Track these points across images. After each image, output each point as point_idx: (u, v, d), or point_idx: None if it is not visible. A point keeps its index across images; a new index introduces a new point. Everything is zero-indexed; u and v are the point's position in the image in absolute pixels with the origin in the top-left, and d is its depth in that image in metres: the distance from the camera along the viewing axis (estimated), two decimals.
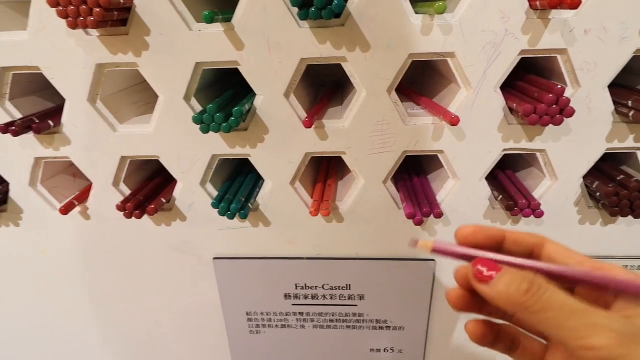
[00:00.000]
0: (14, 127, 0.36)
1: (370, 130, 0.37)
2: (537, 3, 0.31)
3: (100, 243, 0.45)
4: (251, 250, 0.45)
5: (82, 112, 0.38)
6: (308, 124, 0.34)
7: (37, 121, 0.37)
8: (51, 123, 0.38)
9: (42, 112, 0.40)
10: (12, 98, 0.39)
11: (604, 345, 0.18)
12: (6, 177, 0.42)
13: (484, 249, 0.23)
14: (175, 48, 0.35)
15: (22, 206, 0.43)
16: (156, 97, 0.37)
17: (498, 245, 0.24)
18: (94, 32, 0.35)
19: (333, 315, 0.47)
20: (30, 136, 0.39)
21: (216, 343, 0.52)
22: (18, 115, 0.39)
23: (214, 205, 0.39)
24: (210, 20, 0.31)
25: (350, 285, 0.45)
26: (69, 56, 0.35)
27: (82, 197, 0.43)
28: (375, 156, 0.38)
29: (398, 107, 0.36)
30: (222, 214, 0.38)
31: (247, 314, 0.49)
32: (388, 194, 0.40)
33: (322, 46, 0.34)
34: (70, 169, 0.46)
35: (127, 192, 0.42)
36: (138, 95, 0.42)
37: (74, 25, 0.31)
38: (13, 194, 0.43)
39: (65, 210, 0.41)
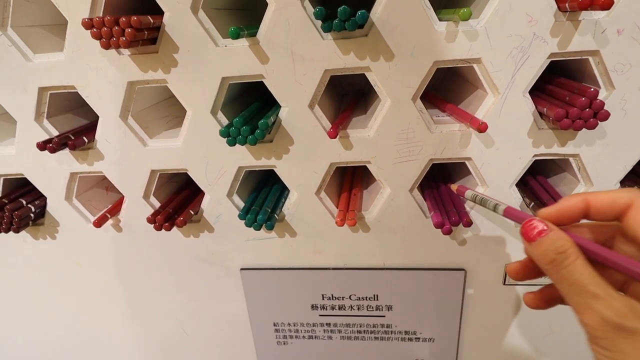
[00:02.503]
0: (51, 145, 0.37)
1: (395, 138, 0.37)
2: (566, 5, 0.30)
3: (132, 254, 0.46)
4: (278, 261, 0.45)
5: (114, 128, 0.39)
6: (333, 135, 0.34)
7: (73, 138, 0.39)
8: (85, 139, 0.40)
9: (77, 129, 0.41)
10: (50, 116, 0.41)
11: (590, 325, 0.21)
12: (44, 192, 0.44)
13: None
14: (202, 64, 0.35)
15: (58, 219, 0.45)
16: (184, 110, 0.38)
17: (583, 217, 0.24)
18: (126, 52, 0.36)
19: (360, 327, 0.47)
20: (66, 152, 0.41)
21: (244, 354, 0.52)
22: (55, 133, 0.41)
23: (241, 217, 0.39)
24: (236, 35, 0.31)
25: (377, 295, 0.44)
26: (102, 75, 0.37)
27: (114, 210, 0.44)
28: (400, 165, 0.38)
29: (423, 114, 0.36)
30: (248, 225, 0.39)
31: (274, 325, 0.49)
32: (415, 203, 0.39)
33: (346, 57, 0.34)
34: (103, 183, 0.48)
35: (157, 204, 0.43)
36: (167, 110, 0.43)
37: (107, 46, 0.32)
38: (50, 207, 0.44)
39: (99, 223, 0.43)
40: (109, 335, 0.53)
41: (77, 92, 0.38)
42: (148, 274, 0.47)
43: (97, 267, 0.48)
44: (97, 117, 0.39)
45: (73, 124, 0.43)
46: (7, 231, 0.42)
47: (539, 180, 0.41)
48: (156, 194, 0.43)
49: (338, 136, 0.36)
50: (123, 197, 0.43)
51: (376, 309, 0.45)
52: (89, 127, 0.42)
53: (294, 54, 0.34)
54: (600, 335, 0.21)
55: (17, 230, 0.43)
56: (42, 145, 0.37)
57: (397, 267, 0.43)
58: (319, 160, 0.38)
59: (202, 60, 0.35)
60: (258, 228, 0.39)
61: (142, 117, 0.40)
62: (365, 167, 0.39)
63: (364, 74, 0.35)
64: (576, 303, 0.22)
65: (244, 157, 0.39)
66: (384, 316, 0.45)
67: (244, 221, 0.39)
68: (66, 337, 0.54)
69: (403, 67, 0.34)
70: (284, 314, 0.48)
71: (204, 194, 0.42)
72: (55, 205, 0.44)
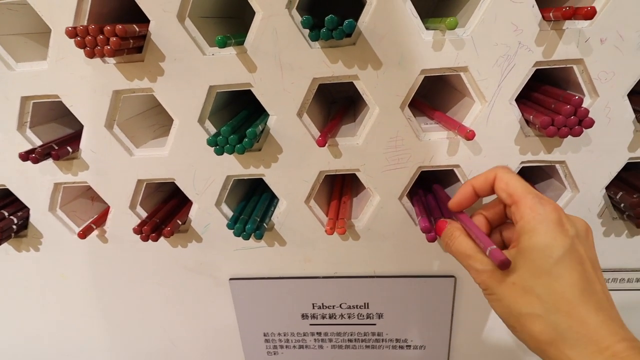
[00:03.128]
0: (34, 155, 0.36)
1: (384, 146, 0.37)
2: (550, 14, 0.31)
3: (118, 265, 0.45)
4: (267, 270, 0.44)
5: (99, 138, 0.38)
6: (321, 143, 0.34)
7: (56, 148, 0.38)
8: (69, 149, 0.39)
9: (61, 138, 0.40)
10: (33, 125, 0.40)
11: (477, 280, 0.28)
12: (27, 203, 0.43)
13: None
14: (189, 72, 0.35)
15: (42, 231, 0.44)
16: (171, 119, 0.38)
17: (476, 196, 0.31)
18: (111, 60, 0.35)
19: (351, 335, 0.47)
20: (49, 162, 0.40)
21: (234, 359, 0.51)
22: (38, 142, 0.40)
23: (229, 226, 0.39)
24: (223, 44, 0.31)
25: (368, 303, 0.44)
26: (86, 84, 0.36)
27: (100, 220, 0.44)
28: (389, 172, 0.38)
29: (412, 122, 0.36)
30: (237, 234, 0.38)
31: (265, 335, 0.48)
32: (404, 210, 0.39)
33: (334, 65, 0.34)
34: (88, 193, 0.47)
35: (144, 214, 0.42)
36: (154, 119, 0.43)
37: (91, 55, 0.32)
38: (33, 219, 0.43)
39: (84, 234, 0.42)
40: (94, 348, 0.52)
41: (61, 101, 0.38)
42: (135, 285, 0.47)
43: (82, 279, 0.47)
44: (82, 126, 0.39)
45: (58, 134, 0.42)
46: None
47: None
48: (143, 204, 0.43)
49: (327, 144, 0.36)
50: (109, 207, 0.43)
51: (367, 317, 0.45)
52: (74, 136, 0.42)
53: (281, 62, 0.34)
54: (484, 285, 0.28)
55: (5, 239, 0.41)
56: (25, 156, 0.36)
57: (387, 275, 0.42)
58: (308, 169, 0.38)
59: (189, 68, 0.35)
60: (247, 237, 0.38)
61: (128, 126, 0.40)
62: (355, 174, 0.39)
63: (352, 82, 0.35)
64: (466, 266, 0.29)
65: (233, 166, 0.39)
66: (374, 324, 0.45)
67: (232, 230, 0.39)
68: (50, 349, 0.53)
69: (391, 75, 0.34)
70: (274, 323, 0.47)
71: (191, 203, 0.42)
72: (39, 216, 0.43)
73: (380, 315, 0.45)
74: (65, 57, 0.35)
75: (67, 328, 0.51)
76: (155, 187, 0.45)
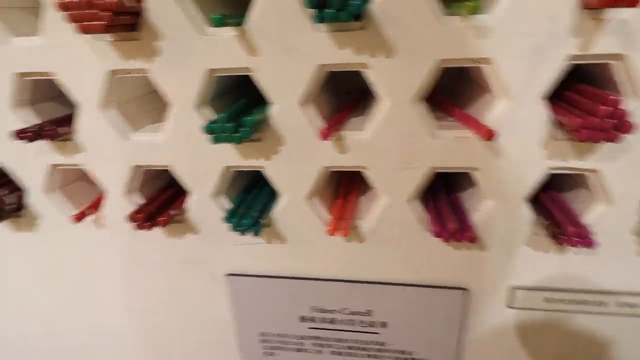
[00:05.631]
0: (28, 133, 0.35)
1: (394, 143, 0.33)
2: (590, 1, 0.27)
3: (112, 253, 0.44)
4: (266, 268, 0.42)
5: (94, 119, 0.37)
6: (324, 136, 0.31)
7: (52, 127, 0.36)
8: (64, 130, 0.37)
9: (57, 118, 0.39)
10: (30, 104, 0.38)
11: None
12: (23, 183, 0.41)
13: None
14: (186, 54, 0.33)
15: (38, 212, 0.43)
16: (168, 105, 0.35)
17: None
18: (106, 37, 0.33)
19: (353, 342, 0.44)
20: (45, 143, 0.39)
21: (227, 359, 0.49)
22: (35, 121, 0.39)
23: (227, 220, 0.36)
24: (219, 23, 0.29)
25: (371, 311, 0.41)
26: (81, 62, 0.34)
27: (96, 205, 0.42)
28: (400, 172, 0.34)
29: (427, 118, 0.33)
30: (233, 229, 0.36)
31: (261, 335, 0.46)
32: (414, 214, 0.36)
33: (342, 51, 0.31)
34: (87, 176, 0.45)
35: (140, 201, 0.41)
36: (153, 103, 0.41)
37: (84, 30, 0.30)
38: (30, 200, 0.42)
39: (78, 218, 0.40)
40: (85, 336, 0.51)
41: (58, 80, 0.36)
42: (129, 273, 0.45)
43: (77, 265, 0.46)
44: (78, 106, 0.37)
45: (57, 113, 0.41)
46: None
47: (552, 196, 0.38)
48: (142, 191, 0.41)
49: (332, 138, 0.33)
50: (105, 192, 0.41)
51: (370, 325, 0.42)
52: (70, 117, 0.40)
53: (285, 46, 0.31)
54: None
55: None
56: (19, 134, 0.35)
57: (393, 282, 0.39)
58: (311, 163, 0.35)
59: (186, 49, 0.32)
60: (243, 232, 0.36)
61: (125, 109, 0.38)
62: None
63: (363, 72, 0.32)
64: None
65: (231, 156, 0.36)
66: (378, 333, 0.42)
67: (228, 224, 0.36)
68: (41, 336, 0.52)
69: (405, 64, 0.31)
70: (272, 324, 0.45)
71: (189, 193, 0.40)
72: (35, 197, 0.42)
73: (384, 324, 0.42)
74: (59, 32, 0.33)
75: (57, 314, 0.50)
76: (155, 174, 0.43)
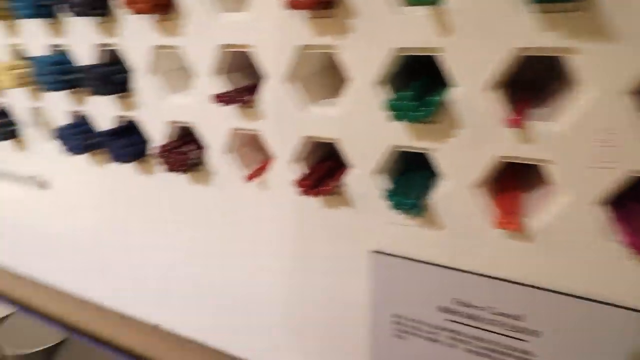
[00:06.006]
0: (226, 98, 0.39)
1: (591, 138, 0.30)
2: None
3: (269, 212, 0.48)
4: (415, 251, 0.42)
5: (278, 91, 0.40)
6: (516, 123, 0.30)
7: (243, 94, 0.40)
8: (251, 98, 0.41)
9: (244, 87, 0.43)
10: (224, 73, 0.43)
11: None
12: (207, 143, 0.47)
13: None
14: (377, 32, 0.34)
15: (215, 169, 0.48)
16: (346, 81, 0.37)
17: None
18: (303, 14, 0.36)
19: (494, 344, 0.42)
20: (231, 107, 0.43)
21: (353, 337, 0.51)
22: (225, 89, 0.43)
23: (388, 197, 0.37)
24: (416, 2, 0.29)
25: (523, 316, 0.39)
26: (278, 37, 0.38)
27: (262, 169, 0.46)
28: (591, 171, 0.31)
29: (635, 113, 0.29)
30: (394, 207, 0.37)
31: (395, 316, 0.46)
32: (600, 219, 0.33)
33: (547, 34, 0.29)
34: (252, 142, 0.50)
35: (303, 170, 0.43)
36: (330, 79, 0.43)
37: (293, 5, 0.33)
38: (208, 158, 0.48)
39: (250, 177, 0.45)
40: (225, 282, 0.56)
41: (244, 52, 0.40)
42: (285, 238, 0.49)
43: (236, 218, 0.51)
44: (262, 77, 0.41)
45: (239, 83, 0.46)
46: (175, 171, 0.47)
47: None
48: (305, 160, 0.44)
49: (522, 127, 0.31)
50: (271, 157, 0.45)
51: (519, 331, 0.40)
52: (251, 87, 0.44)
53: (483, 27, 0.30)
54: None
55: (184, 171, 0.47)
56: (219, 98, 0.40)
57: (557, 290, 0.36)
58: (487, 151, 0.34)
59: (377, 28, 0.33)
60: (404, 212, 0.37)
61: (305, 82, 0.40)
62: (530, 166, 0.34)
63: (543, 59, 0.30)
64: None
65: (402, 135, 0.37)
66: (526, 341, 0.40)
67: (389, 202, 0.37)
68: (192, 276, 0.59)
69: (625, 52, 0.27)
70: (408, 307, 0.45)
71: (348, 167, 0.41)
72: (214, 156, 0.47)
73: (536, 333, 0.39)
74: (265, 8, 0.37)
75: (208, 260, 0.56)
76: (313, 146, 0.46)
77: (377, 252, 0.44)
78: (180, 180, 0.52)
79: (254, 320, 0.56)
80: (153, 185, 0.55)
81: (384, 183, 0.40)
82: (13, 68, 0.54)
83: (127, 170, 0.55)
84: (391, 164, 0.39)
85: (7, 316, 0.73)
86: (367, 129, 0.38)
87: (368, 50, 0.35)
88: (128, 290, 0.65)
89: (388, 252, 0.43)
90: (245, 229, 0.51)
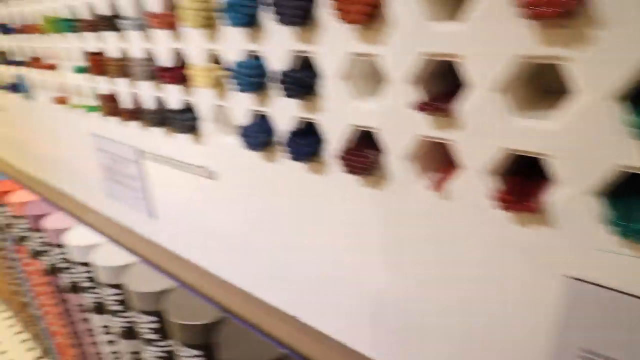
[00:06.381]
0: (429, 107, 0.40)
1: None
2: None
3: (450, 226, 0.47)
4: (624, 284, 0.38)
5: (484, 101, 0.39)
6: None
7: (445, 104, 0.40)
8: (451, 106, 0.41)
9: (440, 95, 0.43)
10: (423, 81, 0.44)
11: None
12: (391, 149, 0.48)
13: None
14: (621, 43, 0.31)
15: (392, 175, 0.49)
16: (562, 93, 0.35)
17: None
18: (528, 22, 0.35)
19: None
20: (422, 115, 0.44)
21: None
22: (422, 97, 0.44)
23: (614, 222, 0.34)
24: None
25: None
26: (494, 46, 0.37)
27: (446, 178, 0.46)
28: None
29: None
30: (620, 234, 0.34)
31: (584, 350, 0.43)
32: None
33: None
34: (434, 150, 0.49)
35: (498, 184, 0.42)
36: (525, 89, 0.41)
37: (535, 16, 0.32)
38: (388, 162, 0.49)
39: (438, 186, 0.45)
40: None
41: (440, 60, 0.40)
42: (457, 249, 0.48)
43: (402, 227, 0.51)
44: (449, 84, 0.40)
45: (430, 90, 0.46)
46: (355, 173, 0.49)
47: None
48: (499, 175, 0.42)
49: None
50: (456, 167, 0.44)
51: None
52: (444, 95, 0.44)
53: None
54: None
55: (364, 174, 0.49)
56: (422, 107, 0.40)
57: None
58: None
59: (620, 39, 0.31)
60: (628, 239, 0.33)
61: (515, 92, 0.39)
62: None
63: None
64: None
65: (631, 155, 0.34)
66: None
67: (611, 227, 0.34)
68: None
69: None
70: (604, 344, 0.41)
71: (552, 184, 0.39)
72: (394, 161, 0.48)
73: None
74: (486, 18, 0.36)
75: (359, 260, 0.56)
76: (510, 160, 0.44)
77: (576, 278, 0.41)
78: (352, 182, 0.54)
79: (424, 336, 0.55)
80: (323, 184, 0.57)
81: (601, 205, 0.37)
82: (210, 70, 0.61)
83: (299, 169, 0.59)
84: (612, 186, 0.36)
85: (170, 290, 0.82)
86: (588, 146, 0.35)
87: (609, 63, 0.32)
88: (293, 291, 0.68)
89: (589, 280, 0.40)
90: (418, 237, 0.50)
